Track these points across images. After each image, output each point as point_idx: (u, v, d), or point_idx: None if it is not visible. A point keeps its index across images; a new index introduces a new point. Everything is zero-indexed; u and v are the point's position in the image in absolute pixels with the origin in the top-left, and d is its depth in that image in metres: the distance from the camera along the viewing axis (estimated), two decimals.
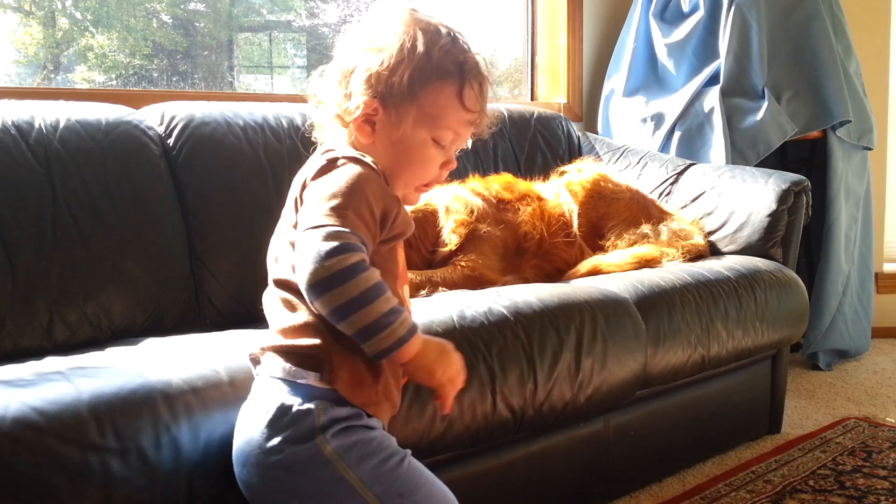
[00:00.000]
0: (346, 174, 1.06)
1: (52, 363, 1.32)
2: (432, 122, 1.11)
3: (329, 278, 0.97)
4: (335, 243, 0.98)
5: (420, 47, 1.09)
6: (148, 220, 1.74)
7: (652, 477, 2.00)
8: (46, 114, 1.75)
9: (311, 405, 1.03)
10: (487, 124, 1.19)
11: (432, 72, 1.09)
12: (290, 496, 1.04)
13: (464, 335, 1.48)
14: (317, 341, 1.05)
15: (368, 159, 1.10)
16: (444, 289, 1.82)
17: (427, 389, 1.38)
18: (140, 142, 1.83)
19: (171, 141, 1.89)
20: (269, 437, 1.03)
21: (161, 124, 1.92)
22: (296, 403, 1.03)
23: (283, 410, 1.03)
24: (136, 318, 1.67)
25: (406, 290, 1.19)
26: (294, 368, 1.05)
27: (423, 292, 1.80)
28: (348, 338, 1.03)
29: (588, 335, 1.64)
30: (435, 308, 1.56)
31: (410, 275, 1.84)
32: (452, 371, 1.10)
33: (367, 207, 1.04)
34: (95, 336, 1.63)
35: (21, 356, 1.44)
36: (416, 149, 1.12)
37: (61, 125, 1.74)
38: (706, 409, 2.09)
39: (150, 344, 1.48)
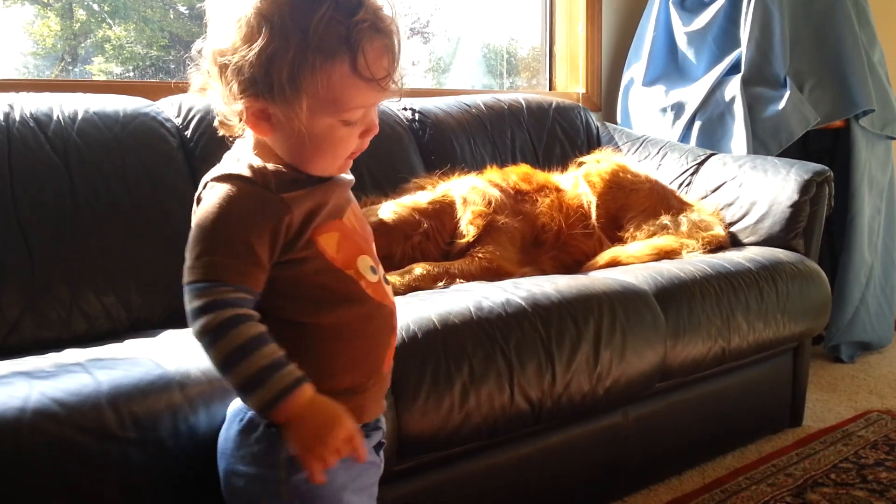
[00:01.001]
0: (212, 206, 0.95)
1: (71, 355, 1.33)
2: (333, 106, 0.95)
3: (202, 341, 0.92)
4: (199, 303, 0.92)
5: (292, 28, 0.91)
6: (165, 213, 1.74)
7: (671, 470, 1.99)
8: (65, 106, 1.75)
9: (272, 430, 0.98)
10: (401, 77, 1.00)
11: (314, 55, 0.92)
12: (237, 497, 1.03)
13: (481, 326, 1.47)
14: None
15: (245, 169, 0.98)
16: (461, 280, 1.81)
17: (444, 379, 1.38)
18: (157, 134, 1.83)
19: (188, 133, 1.90)
20: (238, 446, 1.01)
21: (178, 116, 1.93)
22: (262, 423, 0.99)
23: (253, 425, 1.00)
24: (154, 310, 1.67)
25: (381, 269, 1.09)
26: None
27: (440, 284, 1.79)
28: None
29: (607, 327, 1.63)
30: (452, 300, 1.55)
31: (427, 266, 1.84)
32: (336, 440, 0.94)
33: (239, 240, 0.94)
34: (114, 328, 1.63)
35: (40, 348, 1.46)
36: (323, 136, 0.98)
37: (79, 117, 1.75)
38: (726, 402, 2.07)
39: (169, 336, 1.48)
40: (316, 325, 1.00)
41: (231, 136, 1.06)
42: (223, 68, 0.95)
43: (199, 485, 1.05)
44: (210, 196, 0.97)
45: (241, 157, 1.02)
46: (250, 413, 1.00)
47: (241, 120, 0.98)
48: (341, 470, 0.99)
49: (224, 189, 0.97)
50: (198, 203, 0.99)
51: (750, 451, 2.15)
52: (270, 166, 0.99)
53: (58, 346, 1.46)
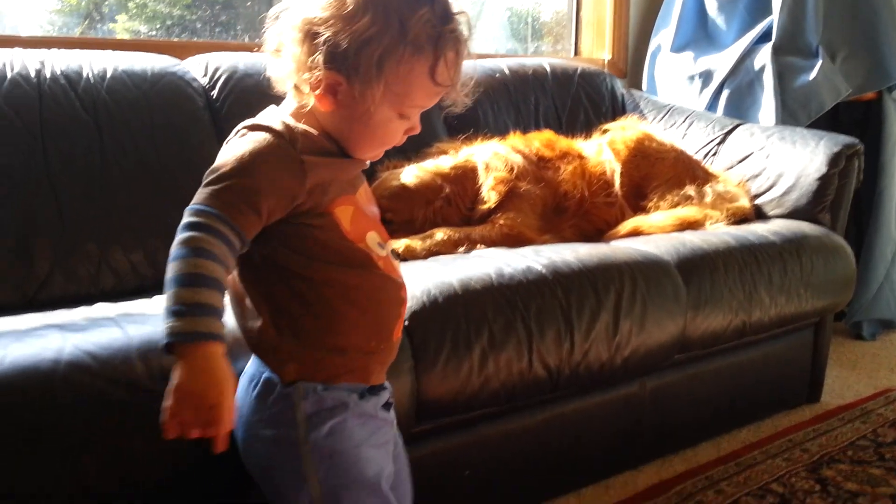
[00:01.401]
0: (237, 149, 0.99)
1: (101, 309, 1.36)
2: (399, 99, 1.01)
3: (171, 253, 0.94)
4: (193, 220, 0.93)
5: (395, 21, 0.97)
6: (192, 172, 1.72)
7: (687, 441, 2.00)
8: (94, 63, 1.77)
9: (290, 389, 1.01)
10: (461, 94, 1.07)
11: (405, 49, 0.98)
12: (256, 462, 1.05)
13: (502, 293, 1.48)
14: (258, 323, 1.02)
15: (278, 123, 1.01)
16: (482, 246, 1.82)
17: (464, 344, 1.39)
18: (184, 94, 1.84)
19: (214, 93, 1.91)
20: (255, 410, 1.03)
21: (205, 76, 1.93)
22: (279, 384, 1.02)
23: (269, 387, 1.02)
24: None
25: (388, 246, 1.11)
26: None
27: (461, 249, 1.79)
28: (289, 322, 1.02)
29: (627, 297, 1.63)
30: (473, 265, 1.56)
31: (448, 231, 1.84)
32: (205, 400, 0.91)
33: (251, 186, 0.96)
34: (141, 284, 1.66)
35: (70, 303, 1.48)
36: (379, 124, 1.03)
37: (108, 75, 1.76)
38: (745, 375, 2.07)
39: None
40: (326, 283, 1.02)
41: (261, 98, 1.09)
42: (311, 36, 0.98)
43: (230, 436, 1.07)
44: (237, 140, 1.01)
45: (278, 114, 1.05)
46: (265, 376, 1.02)
47: (310, 88, 1.00)
48: (357, 427, 1.03)
49: (252, 136, 1.00)
50: (227, 144, 1.02)
51: (766, 426, 2.15)
52: (301, 127, 1.02)
53: (87, 301, 1.48)
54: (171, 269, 0.93)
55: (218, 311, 0.93)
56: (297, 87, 1.03)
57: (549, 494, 1.71)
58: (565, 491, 1.74)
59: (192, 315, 0.91)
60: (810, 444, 2.01)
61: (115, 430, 1.06)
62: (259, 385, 1.03)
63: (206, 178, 0.97)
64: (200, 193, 0.96)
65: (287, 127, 1.01)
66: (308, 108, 1.03)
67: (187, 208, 0.95)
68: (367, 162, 1.10)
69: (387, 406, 1.11)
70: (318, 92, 1.00)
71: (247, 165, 0.97)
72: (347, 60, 0.97)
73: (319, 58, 0.97)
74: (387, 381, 1.13)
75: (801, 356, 2.24)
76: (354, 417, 1.03)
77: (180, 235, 0.93)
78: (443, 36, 1.00)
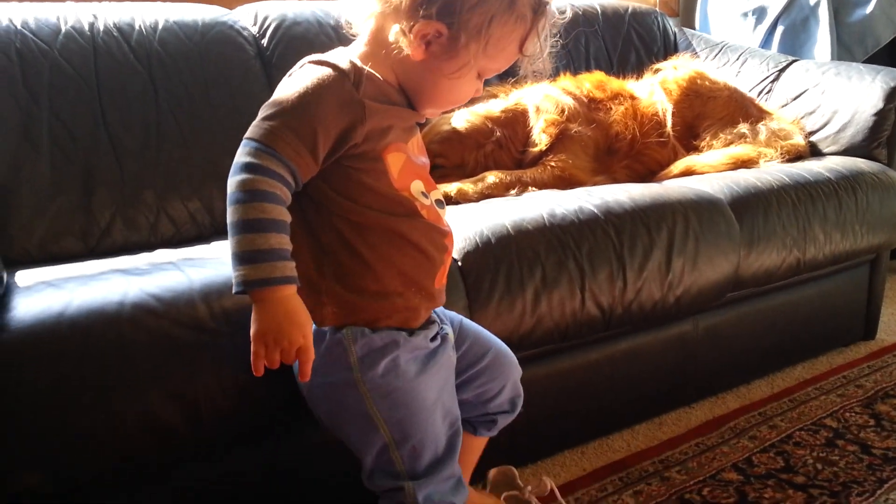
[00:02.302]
0: (299, 83, 0.99)
1: (162, 255, 1.40)
2: (487, 61, 1.04)
3: (231, 194, 0.95)
4: (248, 160, 0.94)
5: None
6: (245, 121, 1.75)
7: (740, 379, 2.00)
8: (146, 15, 1.79)
9: (340, 335, 1.03)
10: (536, 64, 1.10)
11: (511, 14, 1.01)
12: (323, 410, 1.09)
13: (554, 233, 1.49)
14: (299, 262, 1.00)
15: (345, 62, 1.02)
16: (533, 188, 1.82)
17: (517, 283, 1.41)
18: (235, 43, 1.86)
19: (264, 42, 1.92)
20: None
21: (255, 25, 1.95)
22: (328, 332, 1.04)
23: (319, 336, 1.04)
24: None
25: (434, 194, 1.12)
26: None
27: (512, 192, 1.80)
28: (331, 264, 1.03)
29: (680, 235, 1.63)
30: (525, 206, 1.56)
31: (500, 174, 1.85)
32: (288, 340, 0.96)
33: (309, 124, 0.96)
34: (199, 233, 1.70)
35: (131, 252, 1.53)
36: (460, 81, 1.05)
37: (160, 26, 1.78)
38: (799, 313, 2.06)
39: None
40: (370, 228, 1.03)
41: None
42: None
43: (288, 376, 1.11)
44: (301, 73, 1.01)
45: (346, 54, 1.05)
46: (316, 327, 1.04)
47: (406, 35, 1.01)
48: (410, 361, 1.05)
49: (317, 71, 1.01)
50: (289, 77, 1.03)
51: (820, 363, 2.14)
52: (368, 71, 1.02)
53: (148, 249, 1.53)
54: (234, 213, 0.94)
55: (287, 252, 0.95)
56: (379, 32, 1.03)
57: (602, 432, 1.74)
58: (618, 428, 1.76)
59: (263, 261, 0.93)
60: (865, 380, 2.00)
61: (182, 370, 1.10)
62: (314, 334, 1.04)
63: (265, 111, 0.98)
64: (258, 127, 0.97)
65: (354, 67, 1.02)
66: (385, 53, 1.03)
67: (245, 141, 0.97)
68: (424, 118, 1.12)
69: (435, 338, 1.12)
70: (414, 39, 1.00)
71: (307, 103, 0.97)
72: (460, 15, 0.99)
73: (434, 8, 0.99)
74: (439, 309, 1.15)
75: (856, 294, 2.22)
76: (406, 353, 1.06)
77: (239, 177, 0.94)
78: (540, 10, 1.04)
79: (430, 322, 1.12)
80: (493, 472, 1.41)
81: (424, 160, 1.13)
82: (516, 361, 1.26)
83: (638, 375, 1.74)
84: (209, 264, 1.26)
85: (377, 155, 1.03)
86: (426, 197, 1.09)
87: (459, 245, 1.41)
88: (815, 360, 2.15)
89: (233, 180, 0.95)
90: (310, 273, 1.04)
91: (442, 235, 1.11)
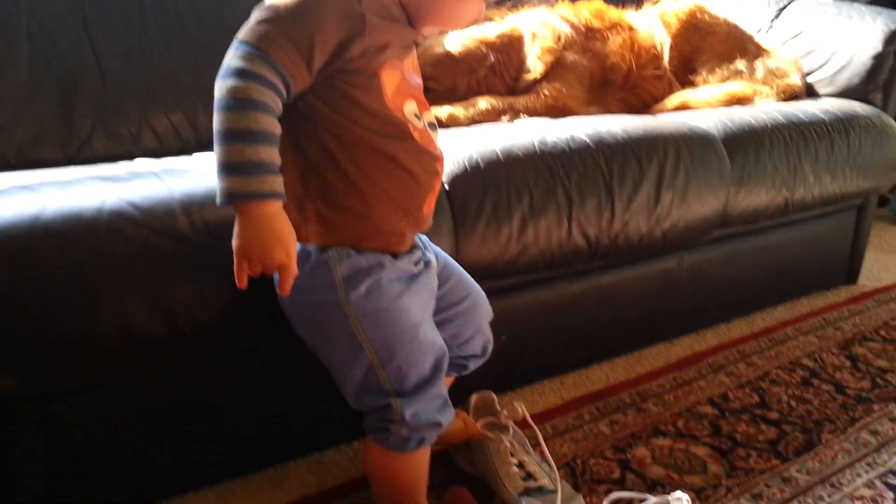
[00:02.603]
0: None
1: (143, 164, 1.37)
2: None
3: (219, 100, 0.90)
4: (240, 64, 0.90)
5: None
6: (231, 33, 1.72)
7: (721, 317, 2.01)
8: None
9: (326, 255, 1.02)
10: None
11: None
12: (308, 331, 1.08)
13: (544, 160, 1.47)
14: (285, 176, 0.97)
15: None
16: (525, 116, 1.79)
17: (504, 210, 1.39)
18: None
19: None
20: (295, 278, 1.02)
21: None
22: (313, 252, 1.02)
23: (305, 255, 1.02)
24: None
25: (427, 116, 1.09)
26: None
27: (504, 118, 1.77)
28: (317, 180, 1.00)
29: (670, 168, 1.61)
30: (516, 133, 1.54)
31: (492, 100, 1.81)
32: (272, 255, 0.95)
33: (306, 32, 0.92)
34: (183, 146, 1.67)
35: (112, 162, 1.49)
36: (463, 3, 1.02)
37: None
38: (784, 254, 2.06)
39: None
40: (359, 147, 1.00)
41: None
42: None
43: (270, 291, 1.10)
44: None
45: None
46: (300, 245, 1.01)
47: None
48: (394, 282, 1.04)
49: None
50: None
51: (801, 305, 2.15)
52: None
53: (129, 160, 1.49)
54: (223, 121, 0.90)
55: (276, 167, 0.92)
56: None
57: (582, 363, 1.75)
58: (598, 360, 1.77)
59: (251, 173, 0.90)
60: (844, 324, 2.02)
61: (160, 279, 1.08)
62: (299, 251, 1.02)
63: (260, 14, 0.93)
64: (252, 30, 0.92)
65: None
66: None
67: (236, 43, 0.92)
68: (422, 37, 1.08)
69: (418, 262, 1.10)
70: None
71: (306, 10, 0.93)
72: None
73: None
74: (425, 238, 1.14)
75: (841, 238, 2.22)
76: (390, 275, 1.04)
77: (230, 82, 0.90)
78: None
79: (414, 247, 1.11)
80: (474, 398, 1.42)
81: (419, 81, 1.10)
82: (490, 308, 1.25)
83: (621, 309, 1.74)
84: (191, 175, 1.23)
85: (373, 72, 0.99)
86: (419, 119, 1.06)
87: (448, 169, 1.39)
88: (796, 302, 2.17)
89: (222, 84, 0.91)
90: (295, 189, 1.01)
91: (433, 159, 1.08)
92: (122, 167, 1.33)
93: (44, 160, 1.52)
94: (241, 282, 0.96)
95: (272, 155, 0.92)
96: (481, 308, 1.24)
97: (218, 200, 0.92)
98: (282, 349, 1.25)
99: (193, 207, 1.12)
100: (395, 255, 1.06)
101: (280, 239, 0.94)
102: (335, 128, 0.99)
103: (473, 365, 1.27)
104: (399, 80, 1.03)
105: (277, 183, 0.93)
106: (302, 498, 1.30)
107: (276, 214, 0.94)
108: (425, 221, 1.11)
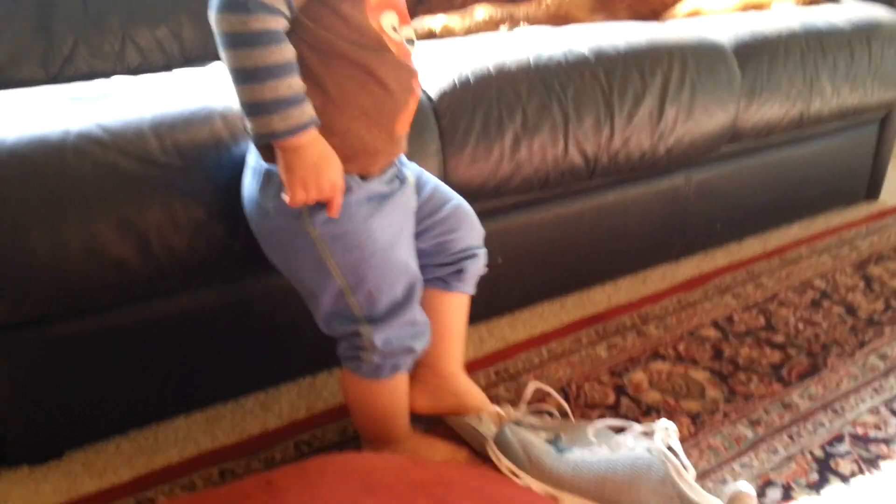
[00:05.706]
0: None
1: (118, 83, 1.32)
2: None
3: (234, 35, 0.86)
4: None
5: None
6: None
7: (732, 236, 1.94)
8: None
9: None
10: None
11: None
12: (278, 258, 1.05)
13: (538, 75, 1.39)
14: None
15: None
16: (525, 24, 1.70)
17: (495, 127, 1.34)
18: None
19: None
20: (260, 203, 1.00)
21: None
22: (277, 175, 0.98)
23: (270, 179, 0.99)
24: (207, 45, 1.62)
25: (406, 31, 1.03)
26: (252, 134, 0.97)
27: (503, 27, 1.69)
28: None
29: (675, 81, 1.53)
30: (510, 45, 1.46)
31: (490, 8, 1.73)
32: (324, 179, 0.94)
33: None
34: (168, 62, 1.63)
35: (95, 78, 1.45)
36: None
37: None
38: (799, 170, 1.97)
39: (218, 67, 1.45)
40: (337, 59, 0.95)
41: None
42: None
43: (241, 214, 1.06)
44: None
45: None
46: (265, 168, 0.98)
47: None
48: (363, 204, 1.00)
49: None
50: None
51: (818, 223, 2.08)
52: None
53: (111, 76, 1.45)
54: (245, 58, 0.87)
55: (304, 93, 0.91)
56: None
57: (584, 285, 1.70)
58: (601, 281, 1.73)
59: (288, 106, 0.89)
60: (861, 242, 1.95)
61: (130, 202, 1.05)
62: (261, 177, 0.99)
63: None
64: None
65: None
66: None
67: None
68: None
69: (393, 180, 1.06)
70: None
71: None
72: None
73: None
74: (403, 157, 1.09)
75: (862, 152, 2.12)
76: (359, 196, 1.00)
77: (242, 15, 0.85)
78: None
79: (388, 167, 1.06)
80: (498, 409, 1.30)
81: None
82: (479, 223, 1.19)
83: (624, 229, 1.69)
84: (166, 95, 1.18)
85: None
86: (396, 32, 1.00)
87: (436, 84, 1.32)
88: (812, 220, 2.09)
89: (233, 18, 0.85)
90: None
91: (410, 75, 1.02)
92: (97, 86, 1.29)
93: (24, 79, 1.48)
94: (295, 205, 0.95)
95: (300, 83, 0.90)
96: (467, 218, 1.17)
97: (255, 140, 0.94)
98: (260, 274, 1.22)
99: (164, 129, 1.09)
100: (364, 177, 1.02)
101: (331, 160, 0.94)
102: (315, 40, 0.94)
103: (471, 268, 1.18)
104: None
105: (311, 108, 0.92)
106: (291, 422, 1.29)
107: (319, 139, 0.94)
108: (399, 142, 1.05)
